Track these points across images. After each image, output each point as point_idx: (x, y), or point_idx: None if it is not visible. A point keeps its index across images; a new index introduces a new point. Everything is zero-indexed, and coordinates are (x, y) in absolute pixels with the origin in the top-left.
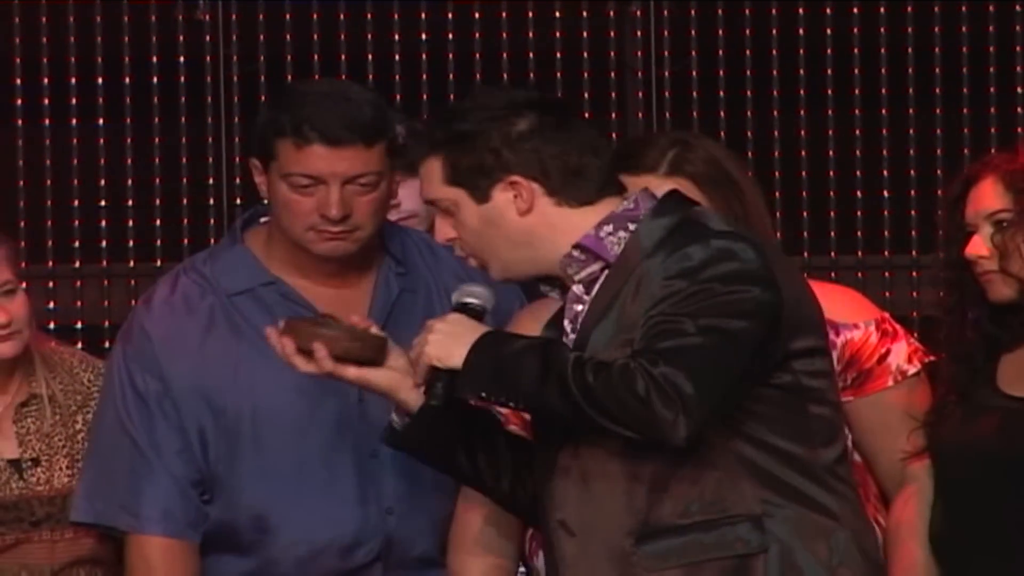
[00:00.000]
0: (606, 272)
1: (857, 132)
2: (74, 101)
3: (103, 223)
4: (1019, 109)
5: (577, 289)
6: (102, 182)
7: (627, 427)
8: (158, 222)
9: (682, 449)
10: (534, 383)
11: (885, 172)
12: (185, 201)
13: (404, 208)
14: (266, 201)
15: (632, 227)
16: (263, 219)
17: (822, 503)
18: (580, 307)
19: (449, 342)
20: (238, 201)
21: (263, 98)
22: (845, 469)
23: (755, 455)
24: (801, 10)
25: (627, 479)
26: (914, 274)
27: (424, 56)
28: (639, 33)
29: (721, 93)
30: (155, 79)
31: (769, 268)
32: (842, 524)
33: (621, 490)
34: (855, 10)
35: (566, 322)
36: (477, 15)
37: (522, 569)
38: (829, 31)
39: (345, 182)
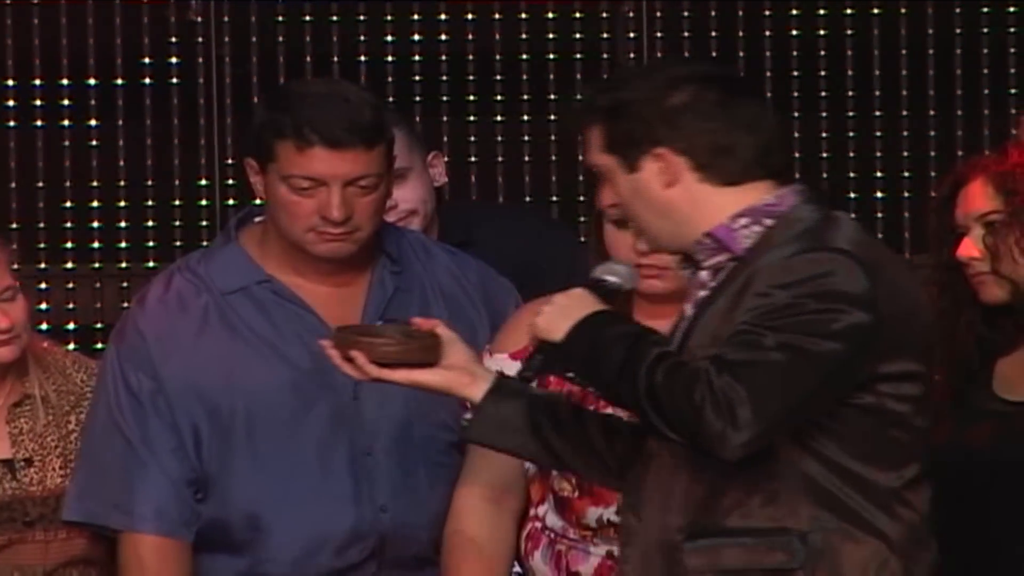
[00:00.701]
0: (733, 264)
1: (850, 133)
2: (66, 102)
3: (95, 224)
4: (1012, 111)
5: (704, 274)
6: (94, 183)
7: (677, 432)
8: (150, 223)
9: (737, 460)
10: (613, 373)
11: (878, 173)
12: (177, 202)
13: (402, 208)
14: (259, 201)
15: (768, 223)
16: (257, 218)
17: (877, 527)
18: (702, 293)
19: (559, 316)
20: (231, 202)
21: (255, 99)
22: (914, 495)
23: (819, 472)
24: (794, 11)
25: (690, 476)
26: None
27: (416, 57)
28: (632, 34)
29: None
30: (147, 80)
31: (873, 291)
32: (893, 550)
33: (683, 486)
34: (848, 11)
35: (688, 305)
36: (470, 16)
37: (517, 569)
38: (822, 32)
39: (346, 184)
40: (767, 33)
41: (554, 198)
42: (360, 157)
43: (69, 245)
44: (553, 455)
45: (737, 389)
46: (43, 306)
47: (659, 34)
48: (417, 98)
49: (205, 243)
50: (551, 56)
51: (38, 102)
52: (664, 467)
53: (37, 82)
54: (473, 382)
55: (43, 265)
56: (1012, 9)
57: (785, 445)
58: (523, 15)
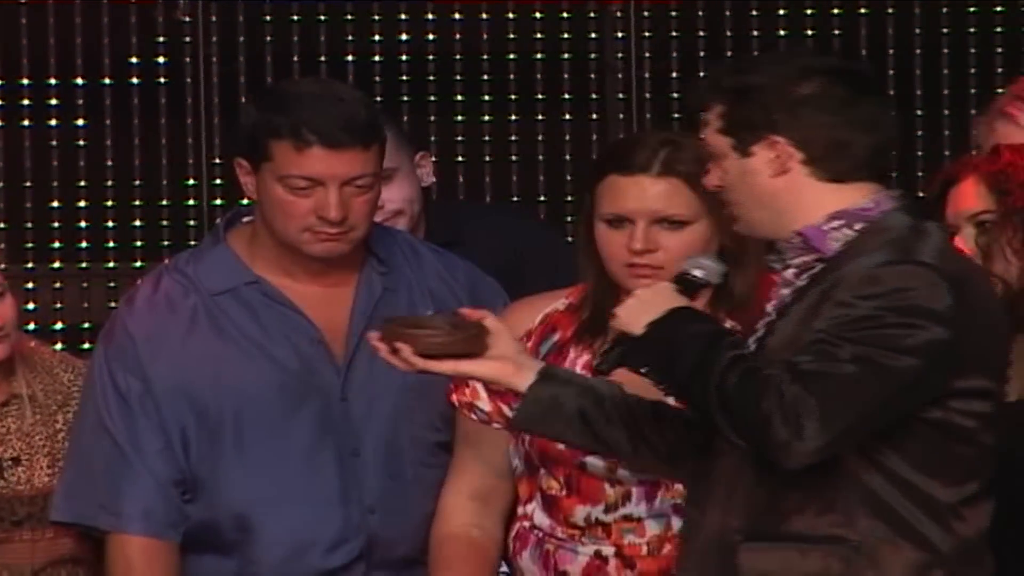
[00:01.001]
0: (821, 265)
1: None
2: (54, 101)
3: (83, 223)
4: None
5: (789, 273)
6: (81, 182)
7: (743, 437)
8: (138, 222)
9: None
10: (686, 372)
11: None
12: (165, 201)
13: (388, 208)
14: (246, 201)
15: (860, 227)
16: (246, 219)
17: (932, 541)
18: (786, 291)
19: (640, 310)
20: (218, 202)
21: (243, 99)
22: (972, 511)
23: (878, 482)
24: (781, 11)
25: (754, 478)
26: None
27: (404, 56)
28: (619, 33)
29: None
30: (135, 79)
31: (955, 307)
32: (942, 564)
33: (746, 487)
34: (835, 10)
35: (771, 303)
36: (457, 16)
37: (504, 569)
38: (809, 32)
39: (343, 184)
40: (754, 33)
41: (541, 198)
42: (357, 157)
43: (56, 245)
44: (601, 442)
45: (807, 400)
46: (30, 306)
47: (647, 34)
48: (404, 97)
49: (193, 243)
50: (538, 56)
51: (25, 101)
52: (731, 466)
53: (25, 82)
54: (519, 371)
55: (30, 265)
56: (999, 9)
57: (848, 454)
58: (511, 15)
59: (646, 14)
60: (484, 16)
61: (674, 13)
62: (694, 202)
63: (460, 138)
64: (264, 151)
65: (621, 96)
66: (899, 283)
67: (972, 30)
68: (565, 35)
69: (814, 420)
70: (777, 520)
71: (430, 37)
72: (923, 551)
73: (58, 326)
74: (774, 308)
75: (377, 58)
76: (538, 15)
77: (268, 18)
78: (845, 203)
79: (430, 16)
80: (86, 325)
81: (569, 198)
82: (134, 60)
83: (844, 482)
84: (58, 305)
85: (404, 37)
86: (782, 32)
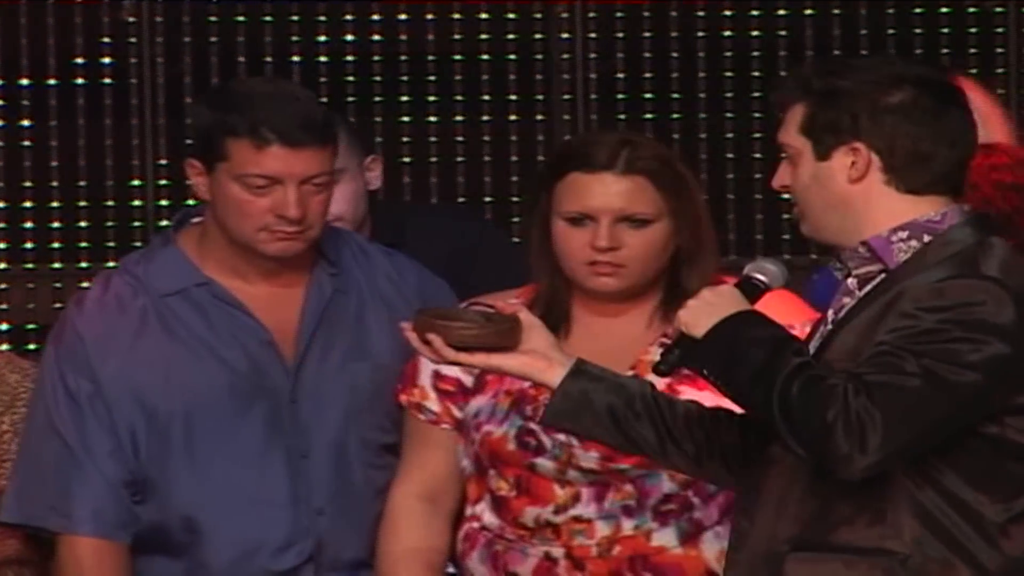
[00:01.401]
0: (883, 276)
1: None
2: None
3: (28, 224)
4: None
5: (851, 282)
6: (27, 183)
7: (804, 446)
8: (83, 223)
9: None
10: (748, 377)
11: None
12: (110, 202)
13: (332, 212)
14: (192, 202)
15: (927, 239)
16: (195, 220)
17: (977, 557)
18: (847, 300)
19: (704, 311)
20: (164, 202)
21: (188, 100)
22: (1019, 529)
23: (929, 497)
24: (727, 12)
25: (806, 488)
26: None
27: (349, 57)
28: (565, 34)
29: (647, 94)
30: (80, 80)
31: (1020, 323)
32: None
33: (797, 497)
34: (780, 11)
35: (831, 311)
36: (403, 16)
37: (451, 570)
38: (755, 33)
39: (301, 182)
40: (700, 34)
41: (487, 198)
42: (315, 156)
43: (1, 245)
44: (630, 440)
45: (872, 413)
46: None
47: (592, 35)
48: (350, 98)
49: (139, 244)
50: (484, 57)
51: None
52: (783, 475)
53: None
54: (550, 367)
55: None
56: (945, 10)
57: (900, 467)
58: (456, 15)
59: (592, 15)
60: (430, 17)
61: (620, 14)
62: (657, 201)
63: (406, 139)
64: (220, 150)
65: (567, 97)
66: (965, 297)
67: (918, 31)
68: (511, 36)
69: (877, 433)
70: (825, 530)
71: (376, 38)
72: (970, 568)
73: (3, 327)
74: (832, 317)
75: (323, 59)
76: (484, 16)
77: (214, 19)
78: (914, 214)
79: (376, 17)
80: (32, 326)
81: (515, 198)
82: (79, 61)
83: (895, 495)
84: (3, 306)
85: (350, 38)
86: (728, 33)
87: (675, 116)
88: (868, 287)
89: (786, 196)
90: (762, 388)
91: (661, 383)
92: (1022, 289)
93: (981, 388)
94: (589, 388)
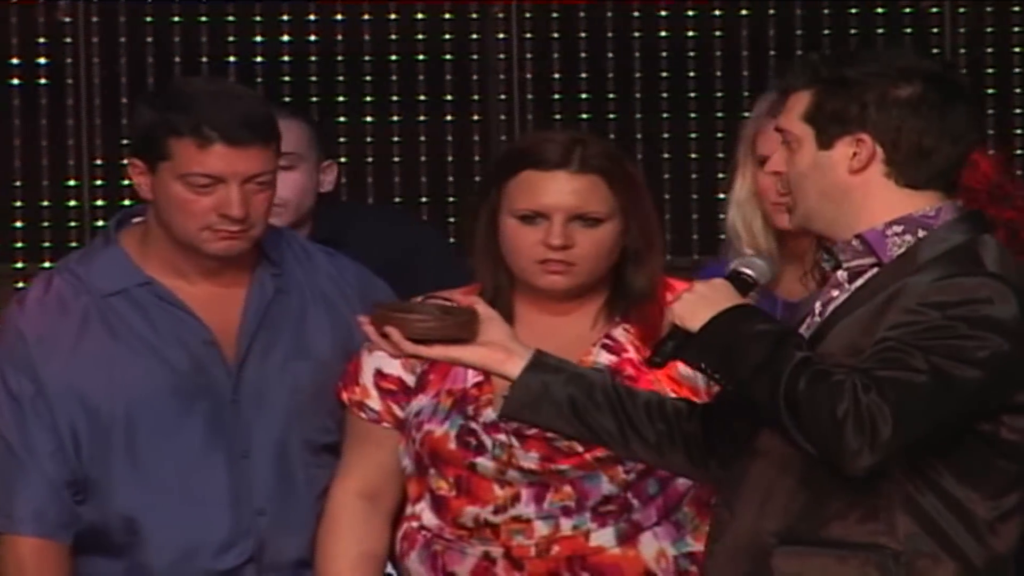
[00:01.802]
0: (875, 270)
1: (719, 134)
2: None
3: None
4: None
5: (841, 275)
6: None
7: (810, 440)
8: (19, 223)
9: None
10: (750, 370)
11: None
12: (46, 203)
13: (279, 195)
14: (128, 202)
15: (921, 234)
16: (135, 220)
17: (968, 555)
18: (836, 293)
19: (699, 305)
20: (99, 203)
21: (124, 100)
22: (1006, 527)
23: (923, 494)
24: (663, 12)
25: (796, 482)
26: None
27: (285, 58)
28: (501, 35)
29: (583, 95)
30: (15, 80)
31: (1022, 320)
32: None
33: (786, 491)
34: (716, 12)
35: (818, 304)
36: (339, 16)
37: (390, 570)
38: (691, 32)
39: (244, 181)
40: (636, 35)
41: (424, 199)
42: (258, 154)
43: None
44: (591, 431)
45: (883, 409)
46: None
47: (528, 35)
48: (286, 99)
49: (74, 244)
50: (421, 57)
51: None
52: (770, 468)
53: None
54: (509, 359)
55: None
56: (908, 10)
57: (895, 463)
58: (393, 16)
59: (528, 15)
60: (366, 17)
61: (555, 14)
62: (609, 200)
63: (342, 139)
64: (163, 150)
65: (503, 97)
66: (970, 294)
67: (853, 31)
68: (447, 36)
69: (888, 429)
70: (816, 525)
71: (312, 38)
72: (959, 564)
73: None
74: (820, 309)
75: (259, 59)
76: (420, 16)
77: (150, 19)
78: (910, 209)
79: (312, 17)
80: None
81: (452, 199)
82: (15, 61)
83: (889, 491)
84: None
85: (286, 39)
86: (663, 33)
87: (611, 116)
88: (860, 280)
89: (722, 196)
90: (765, 382)
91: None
92: (1022, 285)
93: (979, 385)
94: (548, 379)
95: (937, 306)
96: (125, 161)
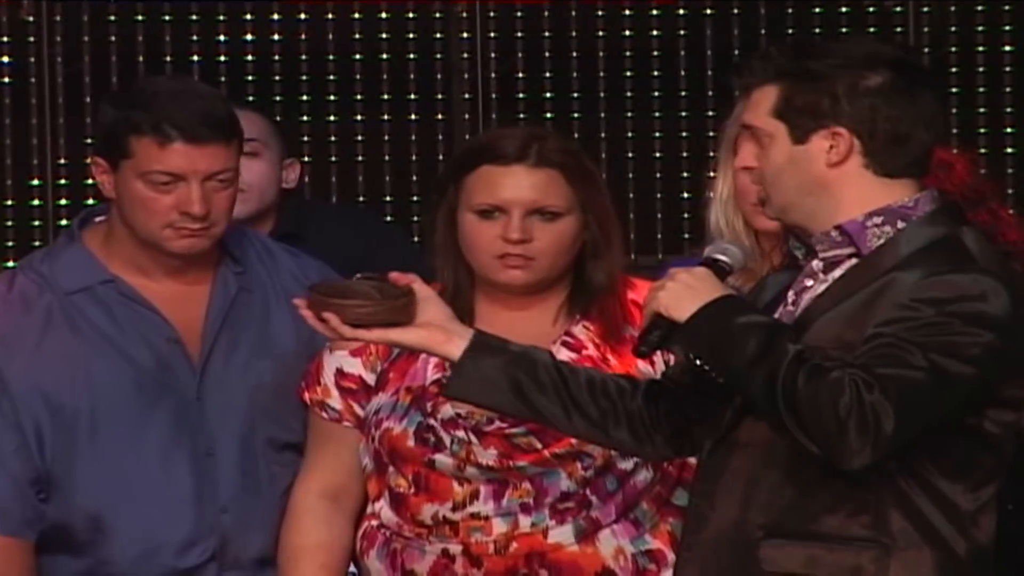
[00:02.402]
0: (853, 261)
1: (683, 133)
2: None
3: None
4: None
5: (816, 264)
6: None
7: (811, 438)
8: None
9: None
10: (745, 363)
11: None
12: (10, 202)
13: (243, 179)
14: (91, 201)
15: (900, 225)
16: (99, 218)
17: (953, 548)
18: (811, 283)
19: (685, 294)
20: (63, 202)
21: (88, 99)
22: (985, 518)
23: (912, 488)
24: (627, 11)
25: (783, 475)
26: None
27: (249, 57)
28: (465, 34)
29: (547, 94)
30: None
31: (1013, 315)
32: (962, 572)
33: (772, 484)
34: (681, 11)
35: (790, 292)
36: (303, 15)
37: (352, 569)
38: (655, 32)
39: (205, 179)
40: (600, 34)
41: (387, 198)
42: (219, 152)
43: None
44: (535, 410)
45: (886, 408)
46: None
47: (492, 34)
48: (250, 98)
49: (38, 243)
50: (385, 56)
51: None
52: (752, 460)
53: None
54: (449, 339)
55: None
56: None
57: (888, 459)
58: (356, 15)
59: (492, 14)
60: (330, 16)
61: (519, 13)
62: (568, 194)
63: (306, 138)
64: (124, 148)
65: (467, 96)
66: (965, 290)
67: (817, 30)
68: (411, 35)
69: (891, 427)
70: (806, 518)
71: (276, 37)
72: (944, 556)
73: None
74: (793, 298)
75: (222, 58)
76: (384, 15)
77: (113, 18)
78: (889, 199)
79: (276, 16)
80: None
81: (415, 198)
82: None
83: (878, 484)
84: None
85: (249, 37)
86: (627, 32)
87: (575, 115)
88: (838, 271)
89: (687, 195)
90: (760, 376)
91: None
92: (1010, 278)
93: (972, 380)
94: (490, 360)
95: (931, 302)
96: (89, 160)
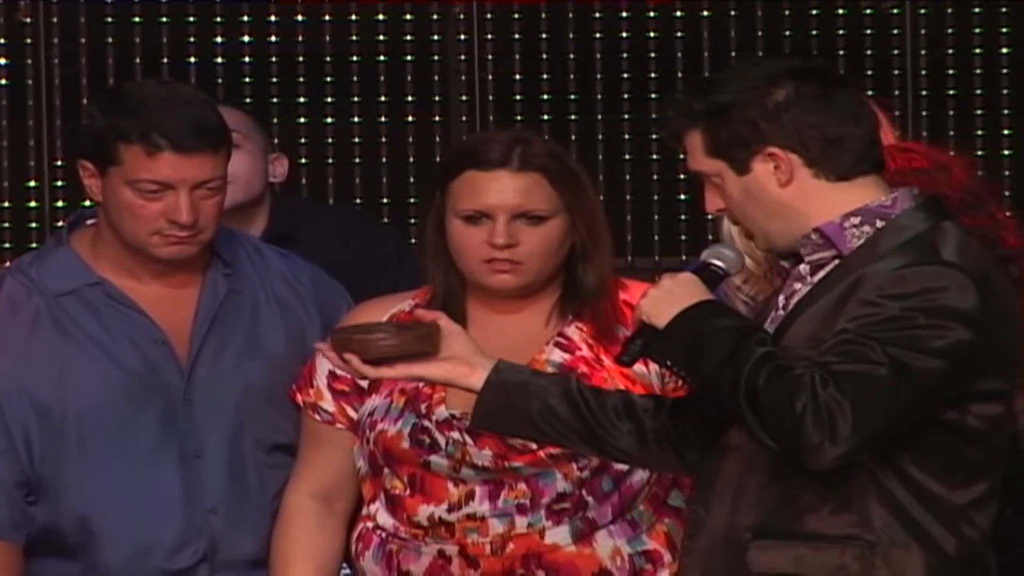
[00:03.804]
0: (836, 262)
1: None
2: None
3: None
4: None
5: (803, 268)
6: None
7: (771, 436)
8: None
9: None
10: (714, 367)
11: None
12: (6, 204)
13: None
14: (88, 203)
15: (879, 224)
16: (89, 221)
17: (941, 545)
18: (798, 286)
19: (666, 301)
20: (60, 204)
21: (85, 100)
22: (979, 514)
23: (893, 484)
24: (624, 13)
25: (767, 476)
26: None
27: (246, 58)
28: (462, 35)
29: (544, 96)
30: None
31: (981, 309)
32: (952, 569)
33: (758, 485)
34: (677, 13)
35: (781, 297)
36: (300, 17)
37: (346, 571)
38: (652, 34)
39: (193, 187)
40: (597, 36)
41: (384, 199)
42: (208, 161)
43: None
44: (561, 435)
45: (842, 403)
46: None
47: (489, 36)
48: (248, 99)
49: (34, 245)
50: (381, 57)
51: None
52: (741, 462)
53: None
54: (473, 371)
55: None
56: (841, 11)
57: (865, 454)
58: (353, 16)
59: (489, 16)
60: (327, 18)
61: (517, 15)
62: (553, 197)
63: (303, 139)
64: (112, 155)
65: (464, 98)
66: (928, 284)
67: (814, 32)
68: (408, 37)
69: (847, 424)
70: (791, 518)
71: (273, 39)
72: (933, 554)
73: None
74: (783, 303)
75: (220, 60)
76: (381, 17)
77: (110, 20)
78: (861, 200)
79: (273, 18)
80: None
81: (412, 200)
82: None
83: (861, 482)
84: None
85: (247, 39)
86: (625, 34)
87: (572, 118)
88: (821, 273)
89: (683, 197)
90: (728, 378)
91: None
92: (981, 273)
93: (945, 375)
94: (514, 390)
95: (894, 297)
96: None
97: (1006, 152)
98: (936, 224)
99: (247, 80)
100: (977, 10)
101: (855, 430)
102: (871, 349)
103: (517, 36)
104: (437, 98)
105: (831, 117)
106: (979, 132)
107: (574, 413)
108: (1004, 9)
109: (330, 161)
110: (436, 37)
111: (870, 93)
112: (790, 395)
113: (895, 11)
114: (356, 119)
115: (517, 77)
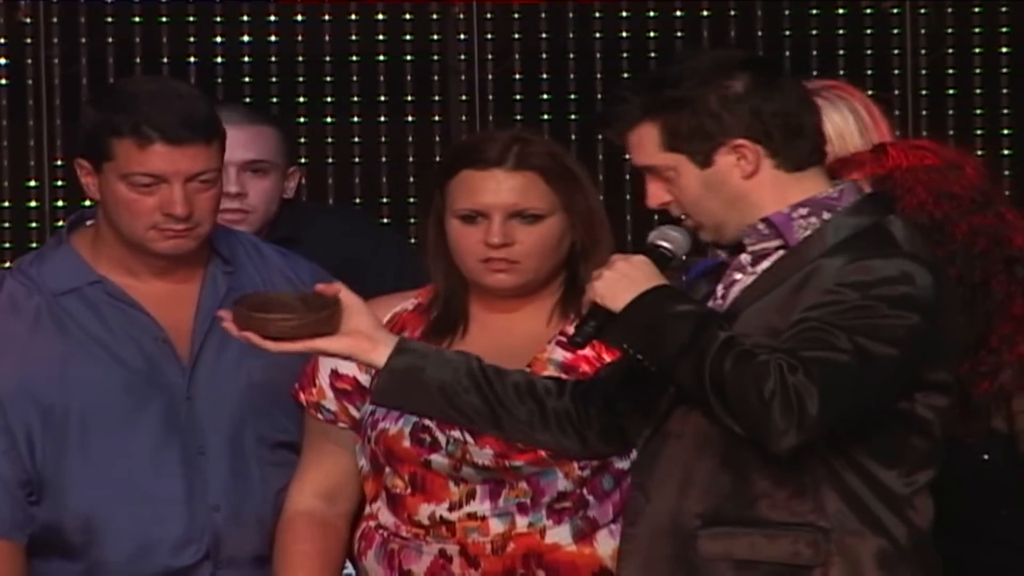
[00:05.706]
0: (780, 252)
1: None
2: None
3: None
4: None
5: (744, 258)
6: None
7: (737, 420)
8: None
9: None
10: (674, 351)
11: None
12: (7, 203)
13: (251, 200)
14: (88, 202)
15: (826, 216)
16: (89, 221)
17: (892, 533)
18: (739, 276)
19: (621, 284)
20: (60, 203)
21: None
22: (922, 502)
23: (844, 471)
24: (624, 12)
25: (718, 462)
26: None
27: (246, 58)
28: (462, 35)
29: (544, 96)
30: None
31: (939, 299)
32: (904, 556)
33: (708, 471)
34: (677, 12)
35: (719, 286)
36: (299, 17)
37: (348, 570)
38: (652, 33)
39: (187, 180)
40: (597, 35)
41: (384, 199)
42: (200, 152)
43: None
44: (462, 413)
45: (810, 389)
46: None
47: (489, 35)
48: (247, 99)
49: (35, 244)
50: (381, 57)
51: None
52: (686, 449)
53: None
54: (375, 347)
55: None
56: (841, 11)
57: (819, 441)
58: (353, 16)
59: (488, 16)
60: (327, 18)
61: (516, 15)
62: (549, 196)
63: (303, 140)
64: (106, 150)
65: (464, 98)
66: (890, 273)
67: (814, 32)
68: (407, 37)
69: (815, 409)
70: (743, 505)
71: (273, 39)
72: (884, 540)
73: None
74: (722, 292)
75: (219, 60)
76: (380, 16)
77: (110, 19)
78: (809, 191)
79: (273, 18)
80: None
81: (412, 199)
82: None
83: (814, 469)
84: None
85: (246, 39)
86: (625, 34)
87: (572, 117)
88: (765, 263)
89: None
90: (690, 363)
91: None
92: (936, 266)
93: (899, 363)
94: (416, 365)
95: (856, 286)
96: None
97: (1006, 152)
98: (882, 218)
99: (247, 80)
100: (977, 10)
101: (822, 415)
102: (836, 337)
103: (517, 36)
104: (437, 98)
105: (787, 105)
106: (979, 132)
107: (475, 390)
108: (1004, 9)
109: (330, 161)
110: (436, 37)
111: (870, 93)
112: (758, 381)
113: (895, 11)
114: (356, 119)
115: (517, 77)
